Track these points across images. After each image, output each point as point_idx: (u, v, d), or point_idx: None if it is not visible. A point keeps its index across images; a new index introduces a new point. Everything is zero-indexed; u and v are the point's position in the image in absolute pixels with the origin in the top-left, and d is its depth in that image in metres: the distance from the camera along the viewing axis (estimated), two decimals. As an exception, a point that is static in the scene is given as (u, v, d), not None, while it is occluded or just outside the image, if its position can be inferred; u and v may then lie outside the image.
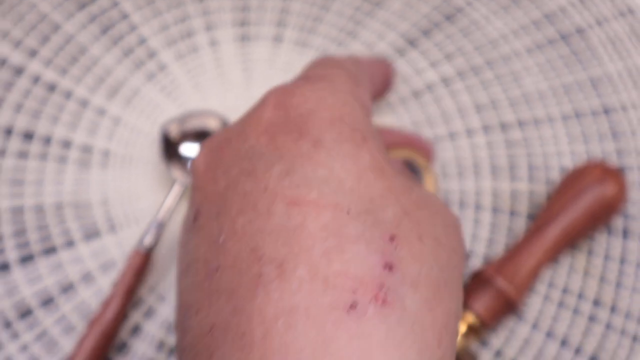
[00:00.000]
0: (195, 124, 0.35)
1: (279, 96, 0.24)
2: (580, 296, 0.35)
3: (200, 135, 0.35)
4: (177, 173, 0.35)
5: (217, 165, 0.24)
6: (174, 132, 0.35)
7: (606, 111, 0.39)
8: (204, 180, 0.24)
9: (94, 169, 0.36)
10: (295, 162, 0.22)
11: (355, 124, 0.23)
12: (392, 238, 0.21)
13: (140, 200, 0.36)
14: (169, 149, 0.35)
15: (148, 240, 0.34)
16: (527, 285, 0.33)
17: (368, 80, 0.28)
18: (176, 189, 0.35)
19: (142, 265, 0.33)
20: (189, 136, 0.35)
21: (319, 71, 0.25)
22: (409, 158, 0.33)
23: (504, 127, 0.38)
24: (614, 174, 0.34)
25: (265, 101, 0.24)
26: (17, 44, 0.38)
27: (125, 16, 0.39)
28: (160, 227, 0.34)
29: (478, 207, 0.37)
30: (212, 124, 0.35)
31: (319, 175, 0.22)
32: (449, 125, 0.38)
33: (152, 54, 0.39)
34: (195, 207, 0.24)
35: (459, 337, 0.31)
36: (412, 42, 0.40)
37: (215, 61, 0.39)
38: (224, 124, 0.35)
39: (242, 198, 0.22)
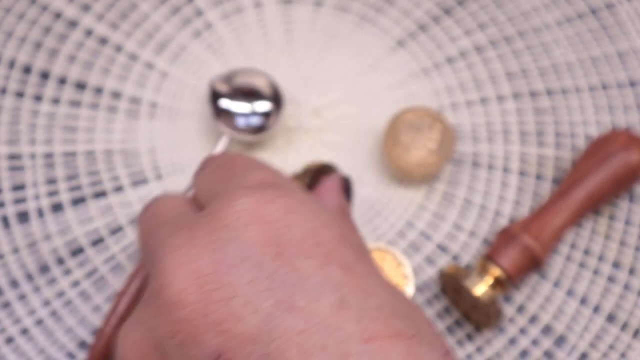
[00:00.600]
0: (242, 81, 0.37)
1: (259, 216, 0.21)
2: (601, 258, 0.37)
3: (246, 92, 0.37)
4: (223, 126, 0.37)
5: (224, 294, 0.20)
6: (222, 87, 0.37)
7: (632, 84, 0.41)
8: (212, 318, 0.20)
9: (142, 120, 0.38)
10: (342, 291, 0.20)
11: (347, 236, 0.23)
12: (446, 354, 0.21)
13: (186, 151, 0.38)
14: (216, 103, 0.37)
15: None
16: (552, 244, 0.35)
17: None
18: (223, 141, 0.36)
19: (186, 212, 0.35)
20: (236, 92, 0.37)
21: (260, 178, 0.23)
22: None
23: (533, 95, 0.40)
24: (638, 142, 0.36)
25: (244, 222, 0.21)
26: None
27: (173, -25, 0.41)
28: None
29: (506, 170, 0.39)
30: (258, 82, 0.37)
31: (371, 303, 0.20)
32: (481, 92, 0.40)
33: (199, 13, 0.40)
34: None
35: (487, 289, 0.33)
36: (447, 11, 0.42)
37: (258, 22, 0.41)
38: (270, 83, 0.37)
39: (296, 338, 0.19)
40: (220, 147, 0.36)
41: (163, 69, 0.39)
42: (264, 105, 0.37)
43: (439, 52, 0.41)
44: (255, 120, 0.37)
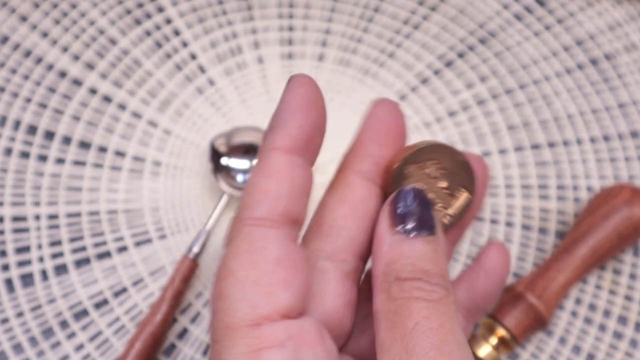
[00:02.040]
0: (242, 139, 0.37)
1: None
2: (606, 314, 0.37)
3: (246, 150, 0.37)
4: (224, 185, 0.37)
5: None
6: (223, 146, 0.37)
7: (633, 134, 0.41)
8: None
9: (146, 179, 0.38)
10: None
11: None
12: None
13: (189, 209, 0.38)
14: (218, 161, 0.37)
15: (196, 248, 0.36)
16: (556, 302, 0.35)
17: None
18: (223, 200, 0.37)
19: (190, 271, 0.35)
20: (236, 150, 0.37)
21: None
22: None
23: (534, 147, 0.40)
24: (641, 197, 0.36)
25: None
26: (76, 57, 0.40)
27: (177, 33, 0.42)
28: (208, 235, 0.36)
29: (509, 224, 0.39)
30: (257, 139, 0.37)
31: None
32: (483, 145, 0.40)
33: (202, 70, 0.41)
34: None
35: (491, 350, 0.33)
36: (448, 64, 0.42)
37: (261, 78, 0.41)
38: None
39: None
40: (221, 205, 0.36)
41: (166, 127, 0.39)
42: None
43: (440, 105, 0.41)
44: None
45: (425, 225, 0.22)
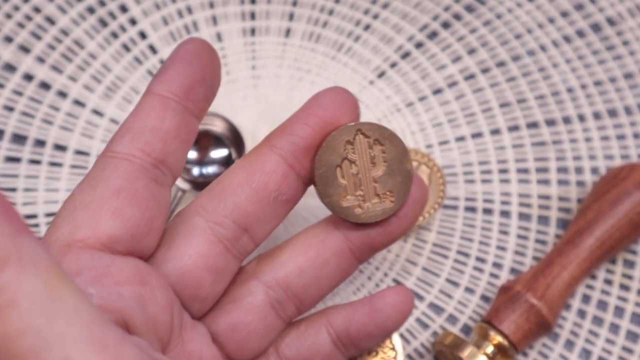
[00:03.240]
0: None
1: None
2: (618, 313, 0.32)
3: (200, 138, 0.33)
4: (178, 179, 0.32)
5: None
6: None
7: (642, 109, 0.36)
8: None
9: (91, 175, 0.34)
10: None
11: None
12: None
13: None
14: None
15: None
16: (561, 303, 0.30)
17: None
18: (176, 198, 0.32)
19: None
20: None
21: None
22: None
23: (531, 126, 0.36)
24: (655, 178, 0.31)
25: None
26: (8, 39, 0.36)
27: (124, 9, 0.37)
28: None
29: (504, 213, 0.34)
30: (214, 125, 0.33)
31: None
32: (472, 126, 0.36)
33: (153, 50, 0.36)
34: None
35: (487, 359, 0.29)
36: (431, 36, 0.37)
37: (221, 58, 0.36)
38: (229, 126, 0.33)
39: None
40: (175, 203, 0.32)
41: (113, 116, 0.35)
42: (222, 152, 0.33)
43: (423, 83, 0.36)
44: (213, 169, 0.32)
45: None
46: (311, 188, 0.26)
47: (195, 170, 0.32)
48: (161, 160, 0.23)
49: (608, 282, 0.33)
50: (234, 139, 0.33)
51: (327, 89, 0.25)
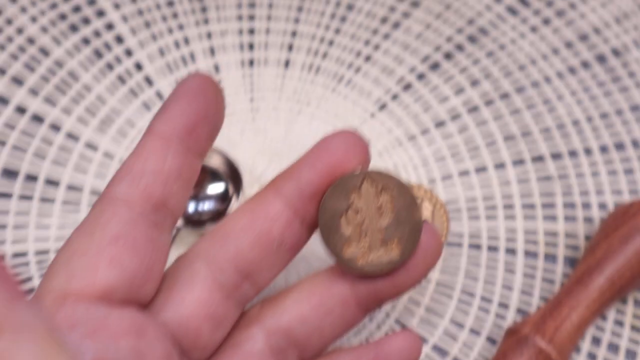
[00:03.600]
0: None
1: None
2: (630, 355, 0.31)
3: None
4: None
5: None
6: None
7: (650, 143, 0.35)
8: None
9: (83, 211, 0.33)
10: None
11: None
12: None
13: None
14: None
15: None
16: (571, 345, 0.29)
17: None
18: (174, 234, 0.31)
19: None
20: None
21: None
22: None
23: (536, 160, 0.35)
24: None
25: None
26: (1, 71, 0.35)
27: (120, 40, 0.36)
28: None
29: (510, 250, 0.33)
30: (212, 161, 0.32)
31: None
32: (476, 159, 0.35)
33: (149, 82, 0.35)
34: None
35: None
36: (433, 67, 0.37)
37: (217, 90, 0.35)
38: (226, 160, 0.32)
39: None
40: (172, 241, 0.31)
41: (108, 150, 0.34)
42: (218, 187, 0.32)
43: (425, 115, 0.36)
44: (210, 206, 0.31)
45: None
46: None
47: (191, 207, 0.31)
48: (162, 204, 0.22)
49: (619, 323, 0.32)
50: (231, 173, 0.32)
51: (336, 132, 0.24)
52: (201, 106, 0.22)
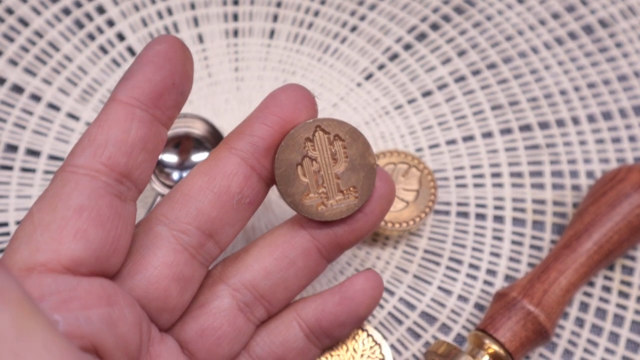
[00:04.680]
0: (173, 130, 0.31)
1: None
2: (617, 321, 0.31)
3: (179, 141, 0.31)
4: (157, 185, 0.31)
5: None
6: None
7: (637, 111, 0.35)
8: None
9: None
10: None
11: None
12: None
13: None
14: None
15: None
16: (559, 309, 0.29)
17: None
18: (157, 201, 0.30)
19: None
20: (168, 143, 0.31)
21: None
22: None
23: (524, 129, 0.34)
24: (654, 180, 0.30)
25: None
26: (-20, 42, 0.34)
27: (101, 10, 0.35)
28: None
29: (498, 218, 0.33)
30: (195, 128, 0.31)
31: None
32: (464, 129, 0.34)
33: (131, 52, 0.35)
34: None
35: None
36: (420, 37, 0.36)
37: (202, 60, 0.35)
38: (210, 129, 0.31)
39: None
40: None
41: (90, 120, 0.33)
42: (202, 155, 0.31)
43: (412, 85, 0.35)
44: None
45: None
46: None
47: (176, 175, 0.31)
48: (126, 175, 0.21)
49: (606, 289, 0.31)
50: (216, 142, 0.31)
51: (283, 87, 0.24)
52: (168, 73, 0.22)
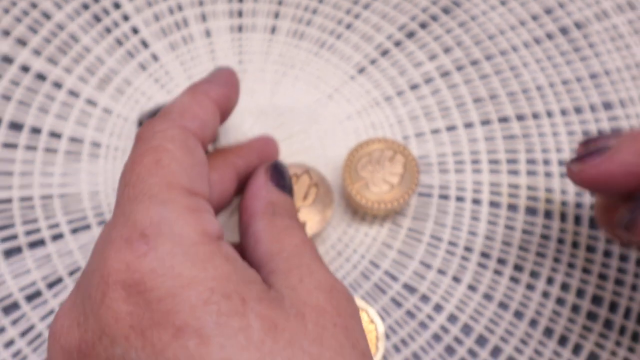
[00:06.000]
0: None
1: (124, 277, 0.20)
2: (579, 293, 0.34)
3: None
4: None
5: None
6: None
7: (606, 106, 0.38)
8: None
9: (84, 161, 0.35)
10: None
11: (225, 285, 0.21)
12: None
13: (131, 193, 0.35)
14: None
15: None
16: None
17: (202, 175, 0.25)
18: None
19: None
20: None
21: (140, 217, 0.22)
22: None
23: (502, 121, 0.38)
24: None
25: (109, 285, 0.20)
26: (6, 33, 0.37)
27: (117, 6, 0.39)
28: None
29: (476, 201, 0.36)
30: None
31: None
32: (447, 119, 0.38)
33: (144, 45, 0.38)
34: None
35: None
36: (409, 35, 0.39)
37: (209, 53, 0.38)
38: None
39: None
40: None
41: (106, 106, 0.37)
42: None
43: (401, 78, 0.38)
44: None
45: (287, 186, 0.29)
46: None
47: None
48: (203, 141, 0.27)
49: (571, 265, 0.35)
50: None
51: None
52: (231, 86, 0.29)
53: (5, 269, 0.33)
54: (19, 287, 0.33)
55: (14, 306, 0.33)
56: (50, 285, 0.33)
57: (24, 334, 0.32)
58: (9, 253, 0.34)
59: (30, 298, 0.33)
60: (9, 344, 0.32)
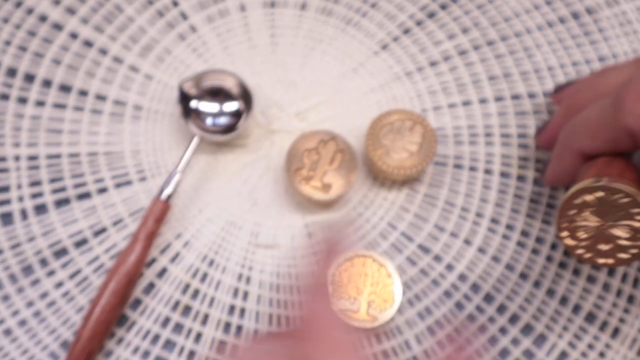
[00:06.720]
0: (211, 82, 0.38)
1: None
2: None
3: (215, 93, 0.38)
4: (193, 127, 0.37)
5: None
6: (191, 89, 0.37)
7: (612, 87, 0.41)
8: None
9: (127, 122, 0.38)
10: None
11: None
12: None
13: (170, 153, 0.38)
14: (187, 105, 0.37)
15: (168, 190, 0.36)
16: None
17: None
18: (194, 143, 0.37)
19: (162, 213, 0.35)
20: (205, 93, 0.38)
21: None
22: None
23: (515, 98, 0.40)
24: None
25: None
26: (56, 2, 0.40)
27: (159, -20, 0.41)
28: (179, 178, 0.36)
29: (487, 171, 0.39)
30: (227, 82, 0.38)
31: None
32: (463, 95, 0.40)
33: (183, 17, 0.41)
34: None
35: None
36: (430, 15, 0.42)
37: (243, 26, 0.41)
38: (239, 83, 0.37)
39: None
40: (192, 148, 0.36)
41: (148, 72, 0.40)
42: (232, 105, 0.38)
43: (421, 55, 0.41)
44: (224, 120, 0.38)
45: None
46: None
47: (209, 120, 0.37)
48: None
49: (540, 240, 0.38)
50: (243, 94, 0.38)
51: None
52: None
53: (55, 218, 0.36)
54: (67, 234, 0.36)
55: (63, 252, 0.36)
56: (96, 234, 0.36)
57: (72, 276, 0.36)
58: (59, 203, 0.37)
59: (78, 244, 0.36)
60: (59, 285, 0.35)
